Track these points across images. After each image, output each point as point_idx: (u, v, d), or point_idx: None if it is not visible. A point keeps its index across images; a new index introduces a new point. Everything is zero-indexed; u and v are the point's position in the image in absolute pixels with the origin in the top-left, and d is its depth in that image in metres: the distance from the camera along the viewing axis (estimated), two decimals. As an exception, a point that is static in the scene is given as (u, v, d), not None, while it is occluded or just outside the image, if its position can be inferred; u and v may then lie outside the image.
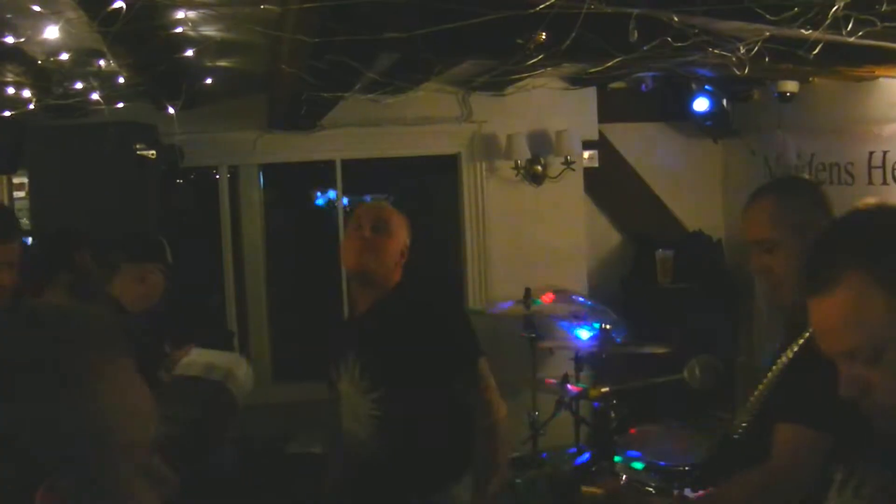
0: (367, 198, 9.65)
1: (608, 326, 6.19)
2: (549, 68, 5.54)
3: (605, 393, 4.14)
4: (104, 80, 5.11)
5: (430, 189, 9.20)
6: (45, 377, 1.29)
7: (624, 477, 4.72)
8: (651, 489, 4.55)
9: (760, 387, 3.00)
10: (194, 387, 3.70)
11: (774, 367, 2.95)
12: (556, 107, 7.45)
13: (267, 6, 3.46)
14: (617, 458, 4.86)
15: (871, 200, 1.79)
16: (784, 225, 3.02)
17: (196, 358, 3.64)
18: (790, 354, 2.91)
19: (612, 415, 4.77)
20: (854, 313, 1.68)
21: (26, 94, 5.20)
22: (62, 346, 1.33)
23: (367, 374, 3.74)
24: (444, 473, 3.76)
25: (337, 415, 3.91)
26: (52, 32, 3.66)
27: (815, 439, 2.61)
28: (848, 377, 1.73)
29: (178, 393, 3.66)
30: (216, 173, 7.55)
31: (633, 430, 5.18)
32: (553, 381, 6.18)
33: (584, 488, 2.64)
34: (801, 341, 2.85)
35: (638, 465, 4.98)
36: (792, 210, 3.05)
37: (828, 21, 3.53)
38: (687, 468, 4.56)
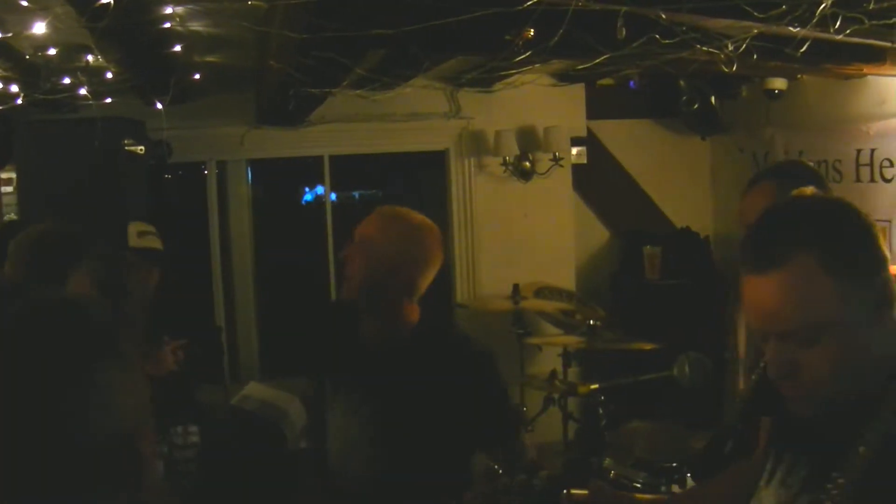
0: (356, 194, 9.66)
1: (596, 323, 6.18)
2: (537, 64, 5.54)
3: (594, 390, 4.14)
4: (92, 76, 5.10)
5: (418, 185, 9.21)
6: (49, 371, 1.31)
7: (612, 473, 4.73)
8: (639, 485, 4.55)
9: (755, 377, 2.98)
10: (247, 421, 3.67)
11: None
12: (545, 103, 7.45)
13: (254, 2, 3.45)
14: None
15: (809, 190, 1.86)
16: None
17: (253, 392, 3.59)
18: None
19: (601, 411, 4.77)
20: (797, 294, 1.72)
21: (14, 89, 5.19)
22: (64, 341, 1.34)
23: (369, 403, 3.27)
24: (442, 498, 3.45)
25: (321, 416, 3.48)
26: (40, 28, 3.65)
27: None
28: (778, 358, 1.77)
29: (232, 424, 3.63)
30: (205, 169, 7.54)
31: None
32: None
33: (570, 490, 2.61)
34: None
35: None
36: (790, 191, 3.06)
37: (815, 19, 3.53)
38: (675, 465, 4.56)
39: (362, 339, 3.33)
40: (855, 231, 1.78)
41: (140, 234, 4.68)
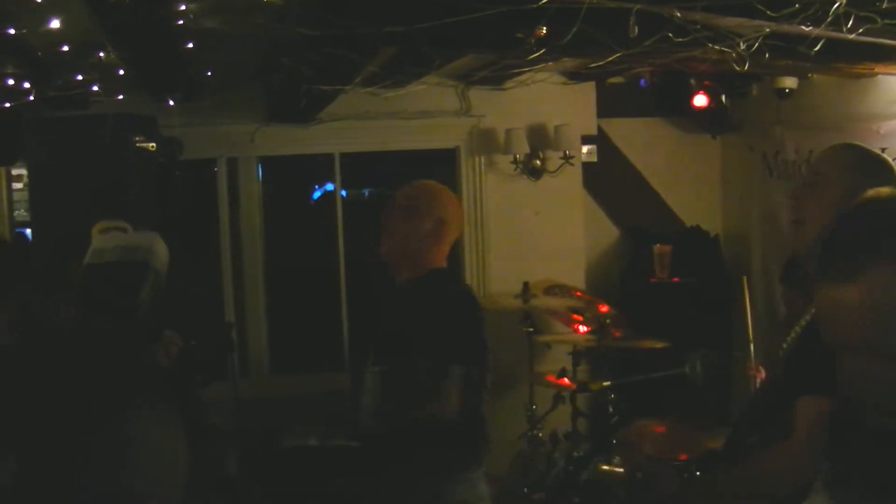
0: (366, 191, 9.65)
1: (606, 321, 6.19)
2: (549, 63, 5.54)
3: (605, 387, 4.14)
4: (104, 72, 5.11)
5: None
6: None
7: (622, 470, 4.73)
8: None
9: (780, 353, 2.92)
10: (118, 273, 3.20)
11: (792, 334, 2.86)
12: (555, 102, 7.45)
13: (268, -2, 3.46)
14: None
15: (885, 190, 1.74)
16: (852, 177, 2.84)
17: (104, 244, 3.20)
18: (808, 318, 2.80)
19: (611, 409, 4.78)
20: (875, 305, 1.60)
21: (26, 85, 5.20)
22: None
23: (380, 355, 3.84)
24: (446, 467, 3.74)
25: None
26: (53, 24, 3.66)
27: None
28: (851, 373, 1.68)
29: (100, 285, 3.18)
30: (215, 166, 7.54)
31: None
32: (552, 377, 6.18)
33: (603, 466, 2.60)
34: (795, 335, 2.81)
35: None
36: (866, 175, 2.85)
37: (829, 18, 3.53)
38: (684, 462, 4.57)
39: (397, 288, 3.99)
40: None
41: (102, 233, 4.61)
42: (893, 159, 5.71)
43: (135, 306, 2.79)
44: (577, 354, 6.40)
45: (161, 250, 3.11)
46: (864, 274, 1.61)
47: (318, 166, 8.16)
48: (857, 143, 3.09)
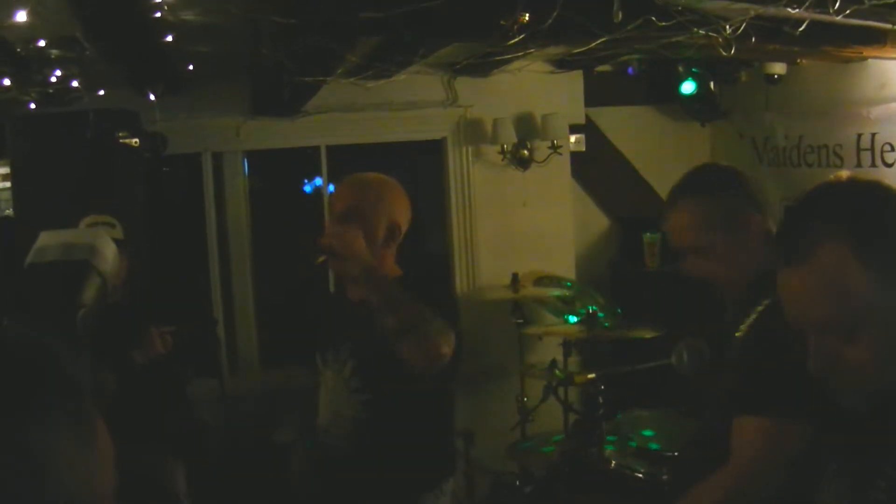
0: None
1: (596, 311, 6.15)
2: (533, 50, 5.49)
3: (592, 379, 4.09)
4: (84, 68, 5.06)
5: (416, 174, 9.16)
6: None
7: (613, 463, 4.70)
8: (640, 475, 4.52)
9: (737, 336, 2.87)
10: (53, 273, 3.09)
11: (748, 320, 2.79)
12: (543, 91, 7.41)
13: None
14: (609, 445, 4.85)
15: (844, 174, 1.79)
16: (712, 227, 2.89)
17: (48, 241, 3.09)
18: (741, 332, 2.77)
19: (601, 400, 4.73)
20: (832, 284, 1.66)
21: (6, 82, 5.15)
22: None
23: (358, 374, 3.51)
24: (421, 482, 3.56)
25: (315, 402, 3.74)
26: (22, 16, 3.59)
27: (784, 430, 2.46)
28: (819, 352, 1.71)
29: (35, 285, 3.08)
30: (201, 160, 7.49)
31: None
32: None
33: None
34: (749, 321, 2.75)
35: (632, 444, 4.96)
36: (716, 209, 2.91)
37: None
38: (676, 454, 4.53)
39: (348, 300, 3.63)
40: (891, 214, 1.70)
41: (90, 227, 4.56)
42: (885, 143, 5.76)
43: (73, 311, 2.68)
44: (568, 345, 6.35)
45: (107, 250, 3.00)
46: (815, 254, 1.67)
47: (305, 159, 8.10)
48: (690, 192, 3.03)
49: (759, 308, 2.69)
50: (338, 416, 3.60)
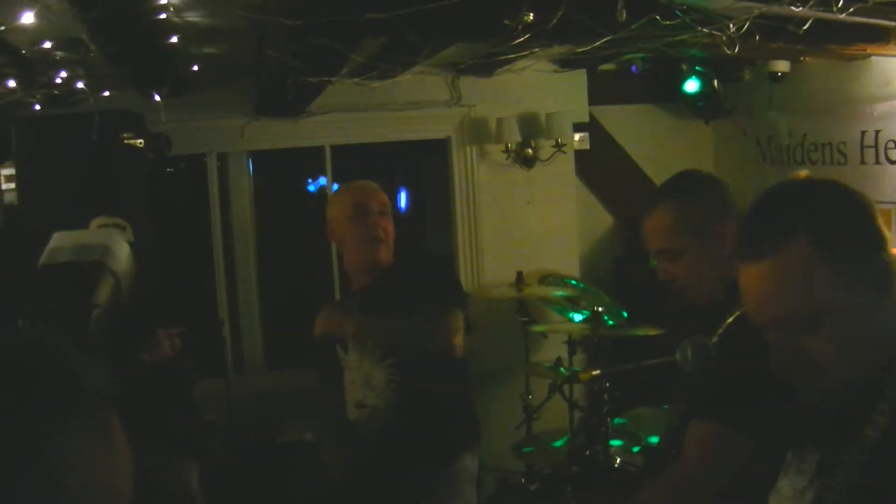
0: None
1: (601, 309, 6.15)
2: (537, 49, 5.49)
3: (597, 376, 4.10)
4: (89, 69, 5.06)
5: (420, 174, 9.17)
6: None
7: (618, 460, 4.71)
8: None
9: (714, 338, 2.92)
10: (67, 274, 3.04)
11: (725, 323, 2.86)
12: (547, 90, 7.41)
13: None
14: (614, 443, 4.86)
15: (804, 173, 1.84)
16: (686, 231, 2.97)
17: (61, 242, 3.05)
18: (714, 339, 2.82)
19: (605, 398, 4.74)
20: (791, 281, 1.71)
21: (11, 84, 5.15)
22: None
23: (378, 343, 3.86)
24: (460, 440, 3.89)
25: (341, 391, 3.97)
26: (28, 18, 3.60)
27: (730, 438, 2.53)
28: (778, 346, 1.76)
29: (49, 286, 3.03)
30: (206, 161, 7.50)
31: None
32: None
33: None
34: (715, 338, 2.79)
35: (634, 449, 4.97)
36: (693, 214, 2.99)
37: (818, -3, 3.49)
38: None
39: (353, 291, 4.15)
40: (850, 212, 1.76)
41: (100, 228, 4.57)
42: (889, 140, 5.76)
43: (87, 311, 2.66)
44: (573, 343, 6.36)
45: (120, 251, 2.98)
46: (777, 250, 1.71)
47: (310, 160, 8.11)
48: (667, 195, 3.14)
49: (730, 318, 2.74)
50: (369, 386, 3.88)
